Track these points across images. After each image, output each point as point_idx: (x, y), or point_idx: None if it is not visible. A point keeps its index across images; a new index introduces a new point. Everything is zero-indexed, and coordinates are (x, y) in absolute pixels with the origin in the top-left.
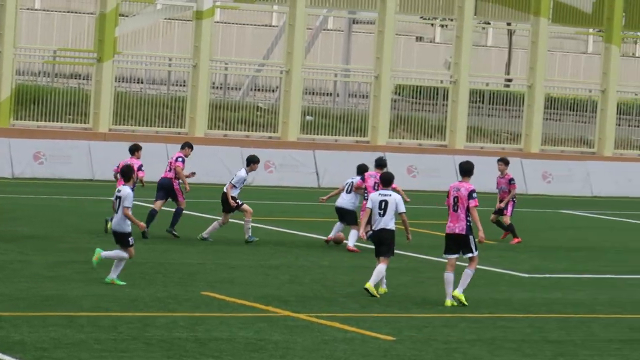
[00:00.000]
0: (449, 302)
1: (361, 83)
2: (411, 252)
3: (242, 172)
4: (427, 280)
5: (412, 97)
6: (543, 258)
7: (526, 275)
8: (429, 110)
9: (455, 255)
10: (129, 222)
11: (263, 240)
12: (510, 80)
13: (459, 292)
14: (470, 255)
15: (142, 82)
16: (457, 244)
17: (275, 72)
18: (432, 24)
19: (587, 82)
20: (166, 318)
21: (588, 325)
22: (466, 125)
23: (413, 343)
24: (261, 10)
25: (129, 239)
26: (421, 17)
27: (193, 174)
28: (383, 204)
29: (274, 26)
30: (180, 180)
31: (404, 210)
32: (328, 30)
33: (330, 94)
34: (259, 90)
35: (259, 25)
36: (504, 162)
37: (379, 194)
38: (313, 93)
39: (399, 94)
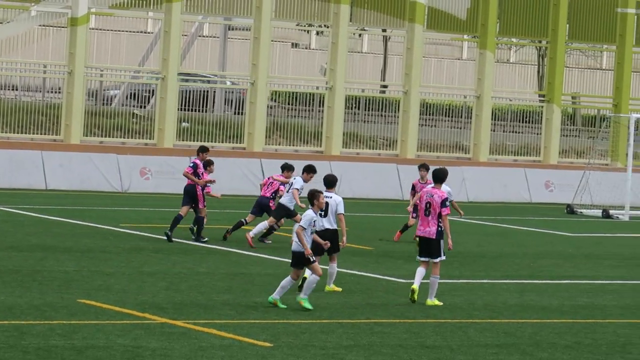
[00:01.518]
0: (415, 286)
1: (235, 89)
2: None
3: (299, 180)
4: None
5: (288, 104)
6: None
7: (403, 280)
8: (305, 117)
9: (427, 258)
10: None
11: (139, 247)
12: (385, 87)
13: (430, 300)
14: (436, 260)
15: (16, 89)
16: (427, 247)
17: (150, 79)
18: (307, 31)
19: (462, 88)
20: (43, 326)
21: (464, 330)
22: (342, 131)
23: (290, 349)
24: (136, 17)
25: (310, 257)
26: (297, 24)
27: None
28: (325, 205)
29: (149, 33)
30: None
31: (343, 212)
32: (204, 36)
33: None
34: (134, 96)
35: (134, 32)
36: (424, 168)
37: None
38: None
39: (275, 101)
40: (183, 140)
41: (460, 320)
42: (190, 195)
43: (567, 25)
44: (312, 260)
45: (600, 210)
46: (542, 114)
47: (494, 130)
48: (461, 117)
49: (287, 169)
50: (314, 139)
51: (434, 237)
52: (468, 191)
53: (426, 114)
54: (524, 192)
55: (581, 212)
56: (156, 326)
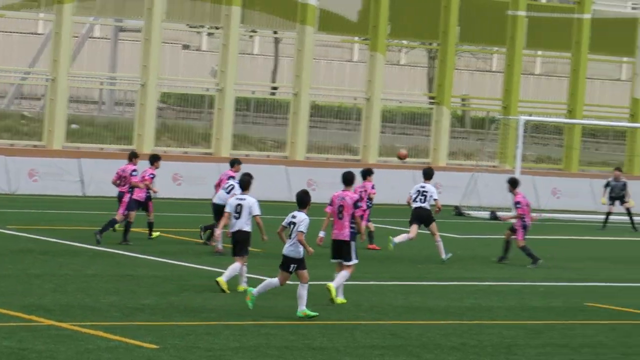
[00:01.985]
0: (330, 284)
1: (127, 91)
2: (175, 260)
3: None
4: (191, 288)
5: (179, 105)
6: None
7: (290, 282)
8: (195, 118)
9: (339, 260)
10: (301, 248)
11: (26, 249)
12: (276, 88)
13: (340, 298)
14: (348, 263)
15: None
16: (339, 249)
17: (40, 80)
18: (198, 32)
19: (353, 90)
20: None
21: (351, 332)
22: (232, 133)
23: (177, 351)
24: (27, 18)
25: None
26: (188, 25)
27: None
28: (238, 207)
29: (40, 34)
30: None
31: (259, 213)
32: (94, 38)
33: (96, 102)
34: (24, 98)
35: (25, 33)
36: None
37: (236, 197)
38: (79, 101)
39: (165, 102)
40: (72, 141)
41: (346, 322)
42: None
43: (458, 27)
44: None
45: (488, 212)
46: (431, 116)
47: (383, 132)
48: (351, 119)
49: (236, 163)
50: (203, 140)
51: (347, 239)
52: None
53: (316, 116)
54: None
55: (469, 214)
56: (42, 328)
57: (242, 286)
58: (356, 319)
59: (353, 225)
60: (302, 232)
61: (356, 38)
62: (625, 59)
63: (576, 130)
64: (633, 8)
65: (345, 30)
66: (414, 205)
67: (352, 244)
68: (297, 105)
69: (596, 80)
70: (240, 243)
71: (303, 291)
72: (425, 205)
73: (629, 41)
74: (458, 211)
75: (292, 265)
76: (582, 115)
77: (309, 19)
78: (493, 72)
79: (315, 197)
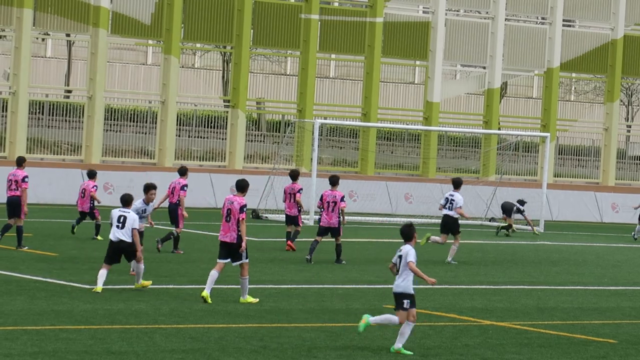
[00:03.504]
0: (205, 293)
1: None
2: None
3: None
4: None
5: None
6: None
7: (87, 286)
8: None
9: (226, 260)
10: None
11: None
12: (70, 92)
13: (243, 298)
14: (239, 262)
15: None
16: (227, 251)
17: None
18: None
19: (147, 93)
20: None
21: (150, 336)
22: (26, 136)
23: None
24: None
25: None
26: None
27: None
28: (122, 218)
29: None
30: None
31: (137, 227)
32: None
33: None
34: None
35: None
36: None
37: (119, 210)
38: None
39: None
40: None
41: (146, 326)
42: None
43: (252, 30)
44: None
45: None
46: (227, 119)
47: (179, 136)
48: (146, 122)
49: (184, 173)
50: None
51: (234, 241)
52: None
53: (111, 119)
54: (210, 197)
55: (266, 217)
56: None
57: (99, 287)
58: (155, 322)
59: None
60: (412, 261)
61: (150, 41)
62: (418, 62)
63: (371, 134)
64: (424, 12)
65: (139, 33)
66: (443, 212)
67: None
68: (92, 108)
69: (390, 83)
70: (123, 252)
71: (407, 329)
72: (452, 213)
73: (422, 45)
74: (256, 214)
75: (405, 301)
76: (376, 118)
77: (102, 22)
78: (288, 75)
79: (109, 201)
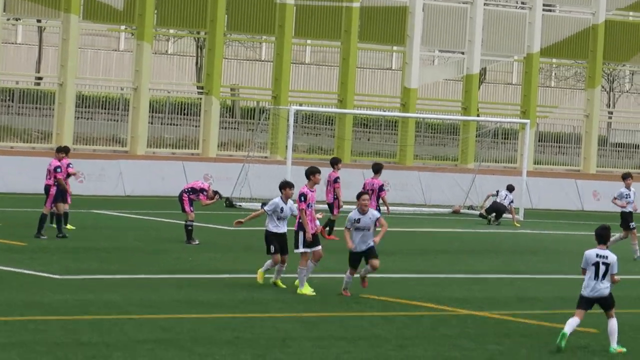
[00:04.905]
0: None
1: None
2: None
3: None
4: None
5: None
6: (76, 259)
7: (58, 276)
8: None
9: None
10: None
11: None
12: (40, 79)
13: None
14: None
15: None
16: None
17: None
18: None
19: (120, 80)
20: None
21: (121, 327)
22: None
23: None
24: None
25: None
26: None
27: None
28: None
29: None
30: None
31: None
32: None
33: None
34: None
35: None
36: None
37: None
38: None
39: None
40: None
41: (116, 316)
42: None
43: (226, 16)
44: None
45: (260, 204)
46: (200, 106)
47: (151, 123)
48: (118, 109)
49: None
50: None
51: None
52: (125, 185)
53: (82, 107)
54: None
55: (240, 205)
56: None
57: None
58: (126, 313)
59: None
60: (616, 273)
61: (122, 27)
62: (395, 47)
63: (347, 121)
64: None
65: (111, 19)
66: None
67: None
68: (63, 95)
69: (367, 69)
70: None
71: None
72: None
73: (399, 30)
74: (230, 202)
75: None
76: (353, 105)
77: (74, 7)
78: (263, 61)
79: (82, 189)
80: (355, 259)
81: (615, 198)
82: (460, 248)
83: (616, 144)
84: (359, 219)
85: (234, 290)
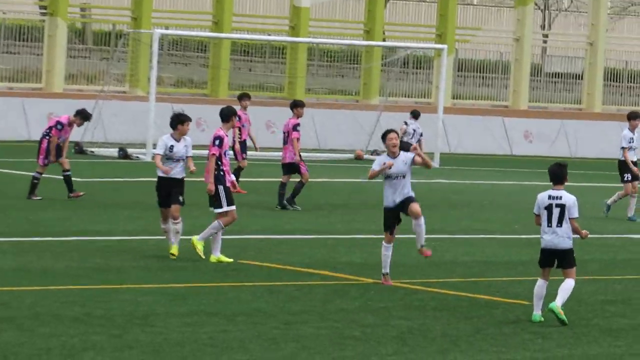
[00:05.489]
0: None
1: None
2: None
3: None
4: None
5: None
6: None
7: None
8: None
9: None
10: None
11: None
12: None
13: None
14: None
15: None
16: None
17: None
18: None
19: None
20: None
21: None
22: None
23: None
24: None
25: None
26: None
27: None
28: None
29: None
30: None
31: None
32: None
33: None
34: None
35: None
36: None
37: None
38: None
39: None
40: None
41: None
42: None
43: None
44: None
45: (117, 149)
46: (43, 30)
47: None
48: None
49: None
50: None
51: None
52: None
53: None
54: (22, 128)
55: (92, 152)
56: None
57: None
58: None
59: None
60: (577, 218)
61: None
62: None
63: (224, 47)
64: None
65: None
66: None
67: (221, 188)
68: None
69: None
70: None
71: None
72: None
73: None
74: (79, 148)
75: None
76: (230, 27)
77: None
78: None
79: None
80: (391, 217)
81: (626, 148)
82: (363, 202)
83: (553, 73)
84: (391, 165)
85: (84, 256)
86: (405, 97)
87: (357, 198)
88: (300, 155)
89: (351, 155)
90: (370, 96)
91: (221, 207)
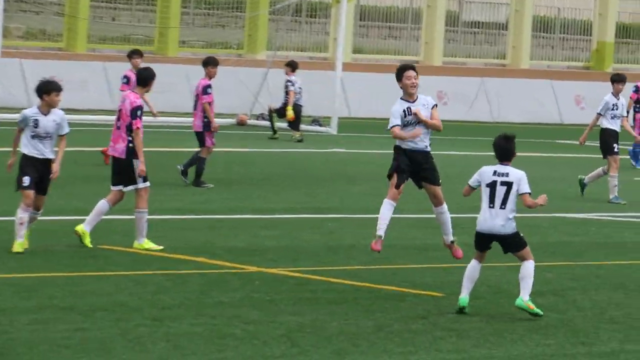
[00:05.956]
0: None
1: None
2: None
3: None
4: None
5: None
6: None
7: None
8: None
9: (119, 187)
10: None
11: None
12: None
13: (139, 243)
14: (136, 187)
15: None
16: (117, 169)
17: None
18: None
19: None
20: None
21: None
22: None
23: None
24: None
25: None
26: None
27: None
28: None
29: None
30: None
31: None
32: None
33: None
34: None
35: None
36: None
37: None
38: None
39: None
40: None
41: None
42: None
43: None
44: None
45: None
46: None
47: None
48: None
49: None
50: None
51: (123, 156)
52: None
53: None
54: None
55: None
56: None
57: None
58: None
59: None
60: (529, 193)
61: None
62: None
63: None
64: None
65: None
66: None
67: (134, 163)
68: None
69: None
70: None
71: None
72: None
73: None
74: None
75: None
76: None
77: None
78: None
79: None
80: (402, 165)
81: (601, 114)
82: (246, 176)
83: (472, 23)
84: (408, 109)
85: None
86: (297, 51)
87: (239, 171)
88: (212, 123)
89: (233, 121)
90: (256, 50)
91: (136, 183)
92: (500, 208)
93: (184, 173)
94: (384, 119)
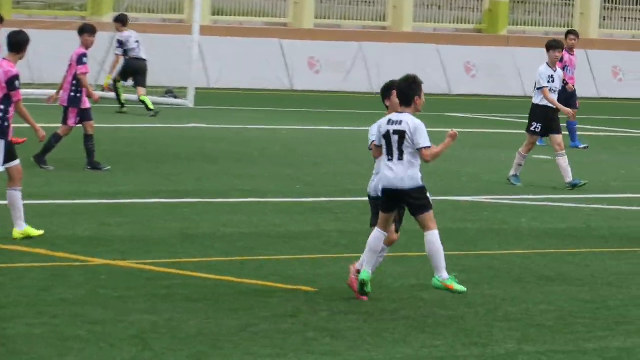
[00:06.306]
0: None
1: None
2: None
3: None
4: None
5: None
6: None
7: None
8: None
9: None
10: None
11: None
12: None
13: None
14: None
15: None
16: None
17: None
18: None
19: None
20: None
21: None
22: None
23: None
24: None
25: None
26: None
27: None
28: None
29: None
30: None
31: None
32: None
33: None
34: None
35: None
36: None
37: None
38: None
39: None
40: None
41: None
42: None
43: None
44: None
45: None
46: None
47: None
48: None
49: None
50: None
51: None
52: None
53: None
54: None
55: None
56: None
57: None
58: None
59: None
60: (428, 147)
61: None
62: None
63: None
64: None
65: None
66: None
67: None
68: None
69: None
70: None
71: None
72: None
73: None
74: None
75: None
76: None
77: None
78: None
79: None
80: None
81: (545, 88)
82: (78, 157)
83: None
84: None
85: None
86: (148, 12)
87: (82, 151)
88: (92, 96)
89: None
90: (102, 12)
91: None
92: (399, 160)
93: (43, 161)
94: (248, 90)
